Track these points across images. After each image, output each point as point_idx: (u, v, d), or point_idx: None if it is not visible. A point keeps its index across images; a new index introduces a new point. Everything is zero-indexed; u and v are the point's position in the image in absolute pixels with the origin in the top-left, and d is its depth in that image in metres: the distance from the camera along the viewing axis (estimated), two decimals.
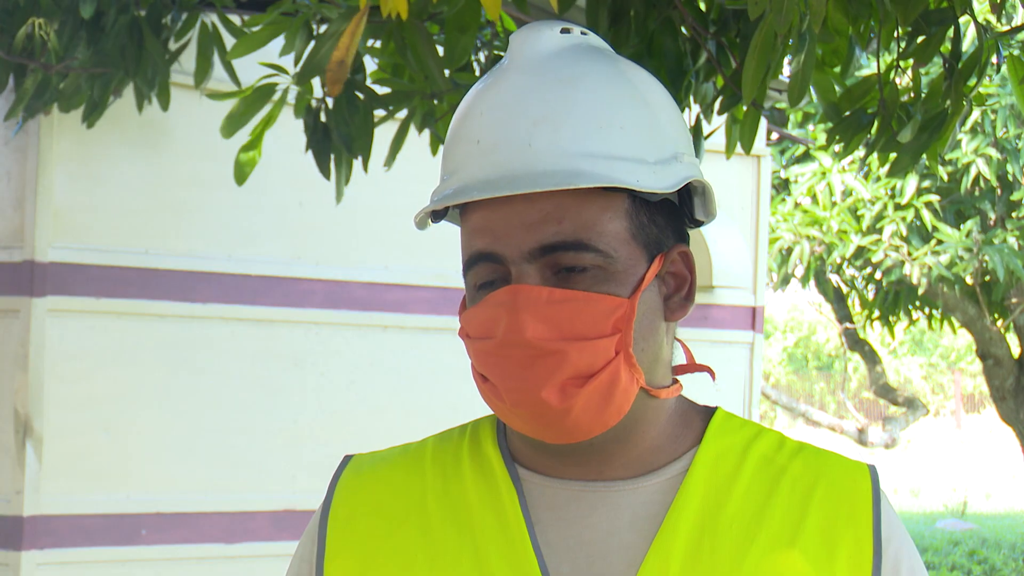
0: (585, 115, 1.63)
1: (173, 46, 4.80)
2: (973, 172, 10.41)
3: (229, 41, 4.77)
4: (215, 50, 4.70)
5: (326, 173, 4.30)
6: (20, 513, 5.92)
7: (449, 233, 7.10)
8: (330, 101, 4.23)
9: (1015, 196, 10.70)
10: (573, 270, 1.62)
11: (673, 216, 1.69)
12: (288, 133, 4.31)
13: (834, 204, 11.04)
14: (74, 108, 5.06)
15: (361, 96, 4.16)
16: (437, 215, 1.71)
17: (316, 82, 4.16)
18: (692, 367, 1.74)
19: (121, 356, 6.13)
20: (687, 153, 1.69)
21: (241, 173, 4.34)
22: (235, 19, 4.86)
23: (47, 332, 5.95)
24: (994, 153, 10.35)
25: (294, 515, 6.52)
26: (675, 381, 1.72)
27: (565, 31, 1.69)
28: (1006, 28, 3.70)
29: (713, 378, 1.74)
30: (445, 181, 1.69)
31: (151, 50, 4.66)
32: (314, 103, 4.26)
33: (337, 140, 4.21)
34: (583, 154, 1.62)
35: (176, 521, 6.25)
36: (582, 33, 1.70)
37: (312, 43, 4.02)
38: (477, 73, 4.22)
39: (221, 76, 4.89)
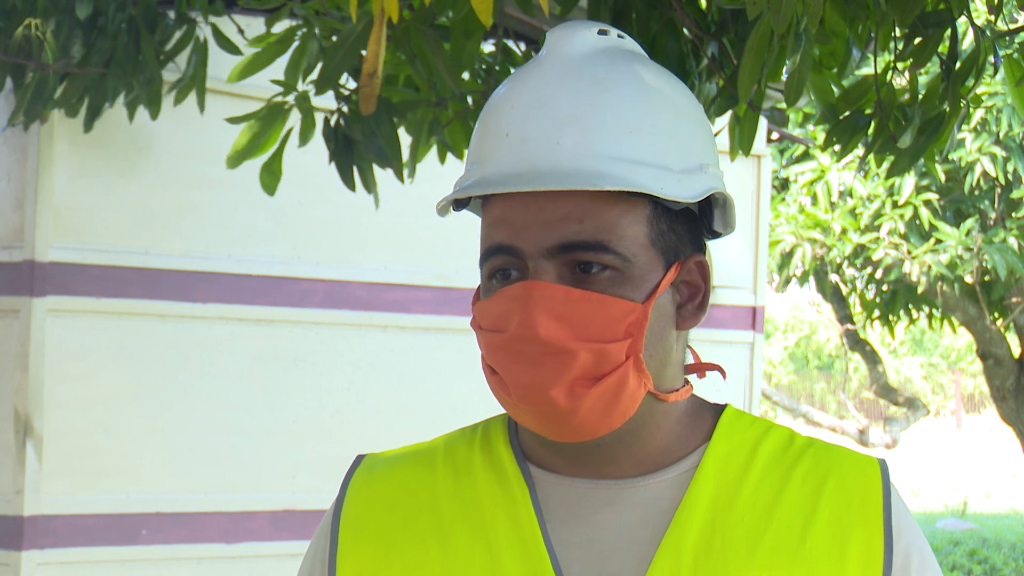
0: (615, 118, 1.64)
1: (166, 55, 4.83)
2: (978, 171, 10.40)
3: (217, 56, 4.79)
4: (201, 68, 4.73)
5: (351, 185, 4.31)
6: (20, 513, 5.92)
7: (450, 233, 7.07)
8: (347, 111, 4.24)
9: (1015, 194, 10.69)
10: (590, 271, 1.63)
11: (692, 225, 1.70)
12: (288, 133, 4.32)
13: (834, 205, 11.04)
14: (77, 111, 5.07)
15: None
16: (459, 204, 1.72)
17: (318, 96, 4.17)
18: (703, 366, 1.75)
19: (121, 356, 6.13)
20: (712, 164, 1.70)
21: (269, 188, 4.36)
22: (229, 23, 4.87)
23: (47, 332, 5.95)
24: (998, 151, 10.34)
25: (294, 515, 6.53)
26: (685, 383, 1.73)
27: (602, 32, 1.70)
28: (1006, 29, 3.69)
29: (724, 377, 1.75)
30: (470, 171, 1.69)
31: (146, 53, 4.67)
32: (330, 116, 4.26)
33: (366, 152, 4.21)
34: (610, 157, 1.63)
35: (176, 521, 6.26)
36: (619, 36, 1.71)
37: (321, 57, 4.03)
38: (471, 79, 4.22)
39: (216, 75, 4.89)
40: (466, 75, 4.20)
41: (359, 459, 1.78)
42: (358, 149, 4.24)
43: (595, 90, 1.65)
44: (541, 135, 1.64)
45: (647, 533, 1.66)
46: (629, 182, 1.62)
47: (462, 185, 1.68)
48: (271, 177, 4.31)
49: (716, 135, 4.12)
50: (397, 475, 1.74)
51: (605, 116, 1.64)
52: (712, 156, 1.71)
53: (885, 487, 1.70)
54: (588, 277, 1.63)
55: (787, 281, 11.49)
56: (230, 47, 4.64)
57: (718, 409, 1.75)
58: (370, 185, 4.32)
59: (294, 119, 4.26)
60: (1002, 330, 11.84)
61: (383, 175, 4.47)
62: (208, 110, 5.20)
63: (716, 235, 1.74)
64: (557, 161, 1.62)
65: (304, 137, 4.23)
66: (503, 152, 1.65)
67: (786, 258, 11.14)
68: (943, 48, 3.63)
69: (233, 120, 4.28)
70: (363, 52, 3.93)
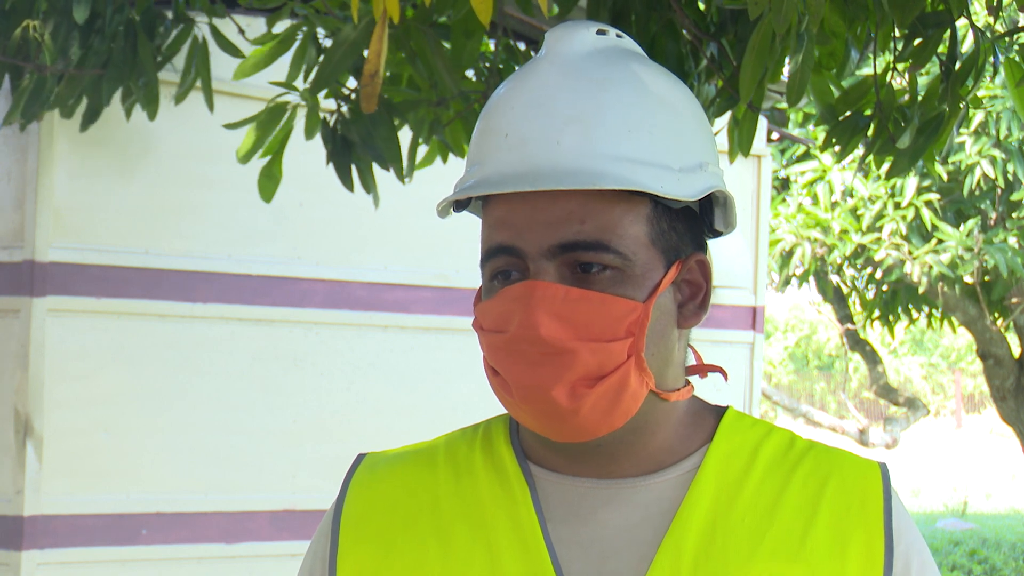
0: (615, 118, 1.64)
1: (164, 55, 4.83)
2: (977, 174, 10.41)
3: (218, 57, 4.79)
4: (204, 67, 4.73)
5: (349, 186, 4.31)
6: (20, 513, 5.92)
7: (450, 233, 7.05)
8: (346, 111, 4.24)
9: (1015, 196, 10.70)
10: (591, 270, 1.63)
11: (693, 224, 1.71)
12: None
13: (835, 205, 11.04)
14: (74, 112, 5.07)
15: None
16: (459, 204, 1.72)
17: (320, 95, 4.17)
18: (704, 367, 1.76)
19: (121, 356, 6.13)
20: (712, 163, 1.70)
21: (267, 193, 4.36)
22: (229, 23, 4.87)
23: (47, 332, 5.95)
24: (998, 154, 10.35)
25: (294, 515, 6.53)
26: (687, 383, 1.73)
27: (601, 32, 1.70)
28: (1004, 31, 3.70)
29: (726, 378, 1.75)
30: (470, 171, 1.69)
31: (143, 55, 4.67)
32: (329, 116, 4.26)
33: (363, 152, 4.21)
34: (610, 156, 1.63)
35: (176, 521, 6.26)
36: (617, 36, 1.71)
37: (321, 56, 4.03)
38: (473, 78, 4.22)
39: (216, 74, 4.89)
40: (469, 74, 4.19)
41: (360, 458, 1.78)
42: (356, 150, 4.24)
43: (594, 90, 1.65)
44: (541, 135, 1.64)
45: (648, 533, 1.66)
46: (629, 181, 1.62)
47: (462, 186, 1.68)
48: (270, 181, 4.31)
49: (715, 135, 4.12)
50: (398, 475, 1.74)
51: (604, 116, 1.64)
52: (712, 155, 1.71)
53: (886, 490, 1.70)
54: (589, 277, 1.63)
55: (787, 281, 11.49)
56: (230, 48, 4.64)
57: (720, 411, 1.75)
58: (369, 185, 4.31)
59: (295, 120, 4.26)
60: (1002, 330, 11.85)
61: (383, 174, 4.48)
62: (208, 110, 5.20)
63: (717, 234, 1.74)
64: (557, 161, 1.62)
65: (310, 130, 4.22)
66: (503, 153, 1.65)
67: (786, 258, 11.15)
68: (943, 49, 3.63)
69: (231, 126, 4.28)
70: (364, 52, 3.93)
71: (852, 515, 1.68)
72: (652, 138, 1.65)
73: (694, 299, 1.71)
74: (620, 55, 1.69)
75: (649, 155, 1.64)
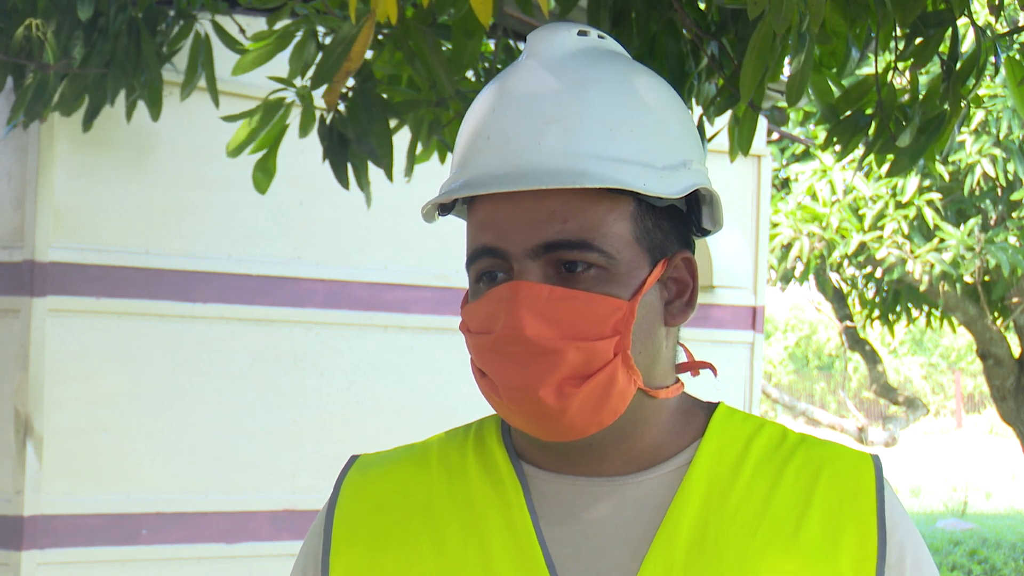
0: (596, 117, 1.64)
1: (166, 52, 4.83)
2: (978, 173, 10.42)
3: (221, 52, 4.78)
4: (208, 63, 4.72)
5: (345, 183, 4.31)
6: (20, 513, 5.92)
7: (450, 233, 7.05)
8: (343, 109, 4.24)
9: (1016, 195, 10.71)
10: (575, 269, 1.63)
11: (679, 223, 1.70)
12: (289, 133, 4.32)
13: (835, 202, 11.05)
14: (75, 111, 5.07)
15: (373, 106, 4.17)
16: (445, 208, 1.72)
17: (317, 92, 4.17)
18: (695, 364, 1.75)
19: (121, 356, 6.13)
20: (696, 161, 1.70)
21: (261, 186, 4.37)
22: (230, 22, 4.87)
23: (47, 332, 5.95)
24: (998, 153, 10.36)
25: (294, 515, 6.53)
26: (676, 380, 1.73)
27: (582, 33, 1.70)
28: (1005, 30, 3.70)
29: (715, 374, 1.75)
30: (454, 174, 1.69)
31: (147, 54, 4.67)
32: (326, 113, 4.26)
33: (358, 149, 4.22)
34: (591, 155, 1.63)
35: (176, 521, 6.26)
36: (599, 36, 1.71)
37: (320, 53, 4.03)
38: (473, 78, 4.22)
39: (218, 74, 4.89)
40: (469, 74, 4.19)
41: (352, 459, 1.79)
42: (352, 147, 4.25)
43: (575, 90, 1.65)
44: (522, 136, 1.64)
45: (640, 529, 1.66)
46: (610, 179, 1.62)
47: (446, 188, 1.68)
48: (264, 175, 4.31)
49: (715, 135, 4.11)
50: (390, 475, 1.74)
51: (585, 116, 1.64)
52: (696, 153, 1.71)
53: (878, 482, 1.70)
54: (573, 276, 1.63)
55: (786, 276, 11.49)
56: (233, 43, 4.64)
57: (710, 407, 1.75)
58: (364, 183, 4.32)
59: (291, 117, 4.26)
60: (1002, 330, 11.85)
61: (384, 176, 4.48)
62: (208, 109, 5.20)
63: (705, 233, 1.74)
64: (539, 161, 1.62)
65: (304, 129, 4.22)
66: (485, 154, 1.66)
67: (785, 250, 11.15)
68: (944, 48, 3.63)
69: (229, 118, 4.28)
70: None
71: (845, 507, 1.68)
72: (634, 137, 1.64)
73: (681, 297, 1.71)
74: (602, 56, 1.69)
75: (631, 153, 1.64)
